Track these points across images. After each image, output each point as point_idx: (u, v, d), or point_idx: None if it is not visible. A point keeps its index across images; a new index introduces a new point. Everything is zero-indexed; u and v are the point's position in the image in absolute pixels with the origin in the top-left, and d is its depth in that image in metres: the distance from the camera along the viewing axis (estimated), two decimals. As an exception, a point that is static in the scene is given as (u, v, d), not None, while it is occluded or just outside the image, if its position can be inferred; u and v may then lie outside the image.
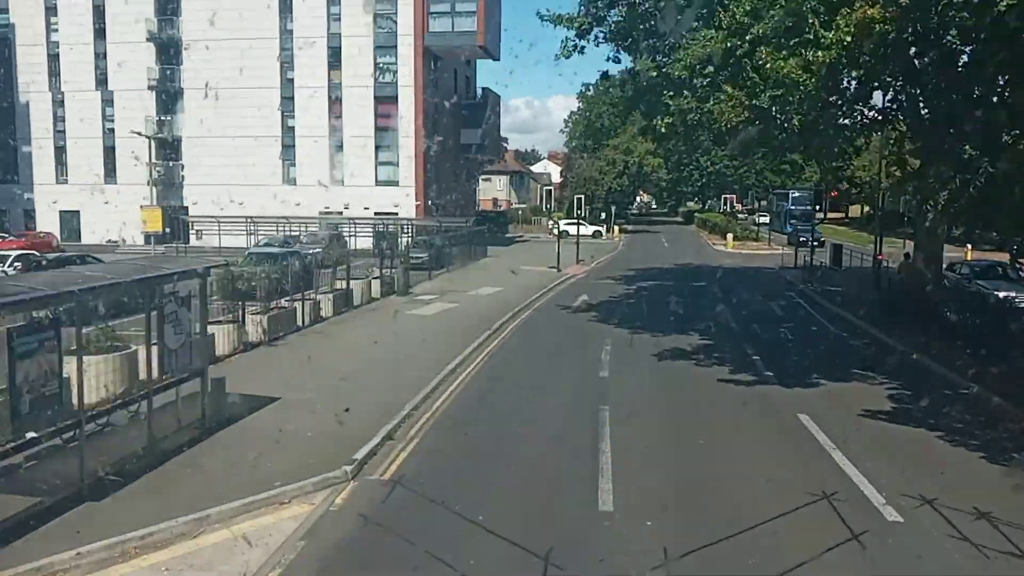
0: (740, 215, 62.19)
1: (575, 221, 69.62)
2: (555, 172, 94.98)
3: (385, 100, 45.74)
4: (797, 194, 62.37)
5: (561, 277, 33.53)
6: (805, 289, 30.19)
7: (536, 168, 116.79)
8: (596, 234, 63.67)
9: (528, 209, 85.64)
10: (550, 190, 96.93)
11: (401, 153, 45.69)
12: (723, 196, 57.62)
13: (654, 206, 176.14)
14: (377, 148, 46.16)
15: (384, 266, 26.85)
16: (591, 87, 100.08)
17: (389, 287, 26.08)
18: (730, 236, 52.20)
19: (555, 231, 68.39)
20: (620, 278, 33.55)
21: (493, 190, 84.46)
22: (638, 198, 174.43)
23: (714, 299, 27.41)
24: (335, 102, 46.20)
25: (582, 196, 41.83)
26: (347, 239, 40.16)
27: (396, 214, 45.64)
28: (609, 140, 76.03)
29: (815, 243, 38.74)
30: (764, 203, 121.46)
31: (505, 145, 78.59)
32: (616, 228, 64.81)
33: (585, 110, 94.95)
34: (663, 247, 56.77)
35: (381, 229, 44.07)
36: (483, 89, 55.25)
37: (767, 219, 68.44)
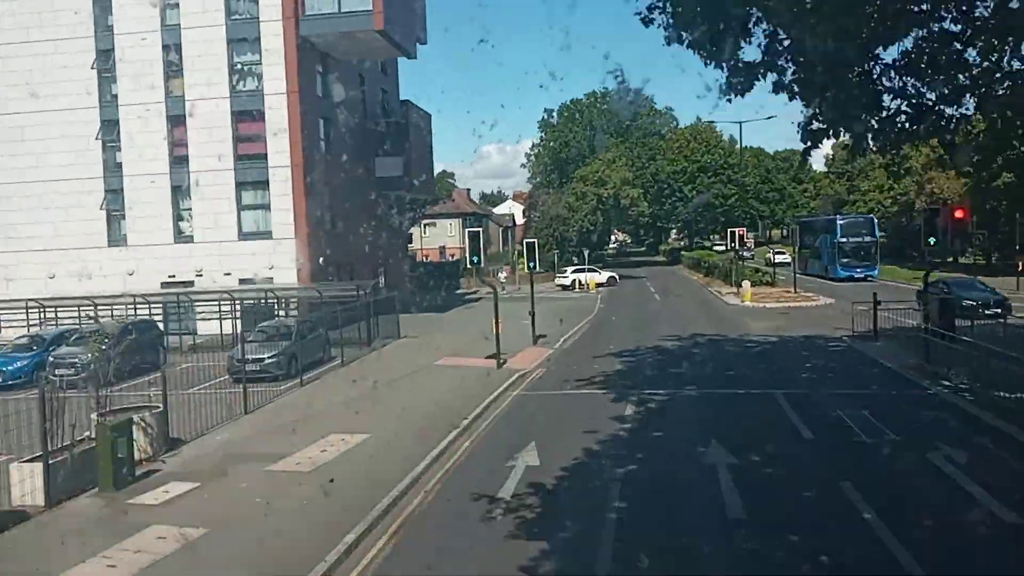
0: (745, 253, 48.34)
1: (585, 268, 56.14)
2: (520, 212, 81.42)
3: (248, 116, 31.70)
4: (849, 220, 49.02)
5: (501, 384, 19.15)
6: (949, 396, 16.06)
7: (500, 209, 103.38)
8: (611, 280, 53.41)
9: (485, 257, 71.97)
10: (509, 231, 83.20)
11: (274, 191, 31.49)
12: (730, 230, 43.44)
13: (628, 243, 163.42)
14: (239, 187, 31.95)
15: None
16: (554, 113, 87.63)
17: (80, 472, 11.54)
18: (746, 285, 38.23)
19: (564, 282, 54.64)
20: (600, 382, 19.23)
21: (443, 236, 70.50)
22: (614, 237, 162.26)
23: (821, 458, 13.08)
24: (177, 124, 32.08)
25: (534, 240, 28.01)
26: (159, 332, 25.79)
27: (271, 279, 31.25)
28: (577, 172, 62.65)
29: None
30: (779, 236, 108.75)
31: (452, 182, 64.75)
32: (593, 277, 50.80)
33: (549, 139, 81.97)
34: (655, 303, 42.78)
35: (251, 303, 29.81)
36: (403, 104, 41.42)
37: (785, 257, 54.83)
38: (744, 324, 29.75)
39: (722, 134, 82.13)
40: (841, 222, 47.98)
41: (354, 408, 16.01)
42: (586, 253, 54.40)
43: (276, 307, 30.70)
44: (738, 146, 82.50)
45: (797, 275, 41.93)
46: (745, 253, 42.79)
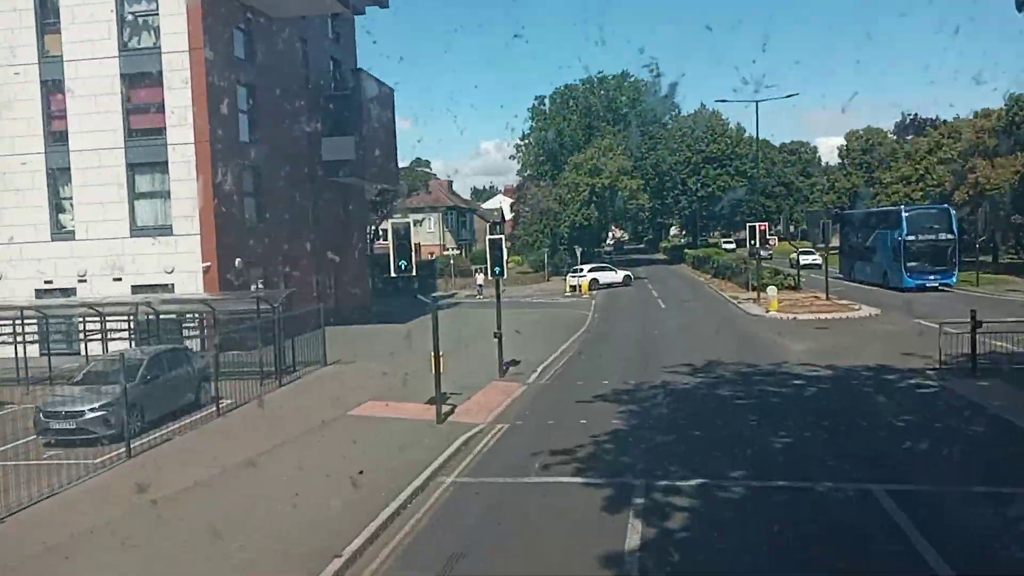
0: (764, 252, 41.26)
1: (602, 266, 49.59)
2: (509, 206, 74.60)
3: (143, 81, 24.85)
4: (918, 212, 39.00)
5: (433, 458, 12.28)
6: None
7: (491, 205, 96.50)
8: (626, 280, 48.63)
9: (466, 255, 64.90)
10: (498, 227, 76.35)
11: (174, 174, 24.63)
12: (749, 225, 36.27)
13: (626, 240, 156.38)
14: (132, 170, 25.11)
15: None
16: (546, 100, 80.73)
17: None
18: (772, 292, 31.36)
19: (573, 283, 48.27)
20: (586, 460, 12.25)
21: (421, 233, 63.60)
22: (610, 233, 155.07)
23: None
24: (54, 91, 25.24)
25: (500, 238, 21.14)
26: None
27: (170, 286, 24.42)
28: (569, 159, 55.82)
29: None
30: (800, 231, 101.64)
31: (428, 171, 57.93)
32: (584, 280, 43.99)
33: (541, 127, 75.01)
34: (658, 311, 36.03)
35: (146, 319, 23.01)
36: (355, 73, 34.47)
37: (815, 258, 47.79)
38: (778, 345, 22.97)
39: (728, 122, 75.39)
40: (908, 214, 37.47)
41: (140, 522, 9.23)
42: (579, 251, 47.53)
43: (182, 324, 24.02)
44: (747, 133, 75.88)
45: (832, 282, 34.98)
46: (763, 252, 35.89)
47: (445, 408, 15.24)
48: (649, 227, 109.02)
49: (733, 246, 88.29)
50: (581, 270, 48.27)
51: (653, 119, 77.53)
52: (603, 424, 14.14)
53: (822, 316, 29.32)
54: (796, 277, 39.44)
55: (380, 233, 60.25)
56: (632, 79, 78.17)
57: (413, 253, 16.36)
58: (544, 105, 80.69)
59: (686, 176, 73.05)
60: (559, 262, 59.91)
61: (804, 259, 49.71)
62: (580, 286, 42.38)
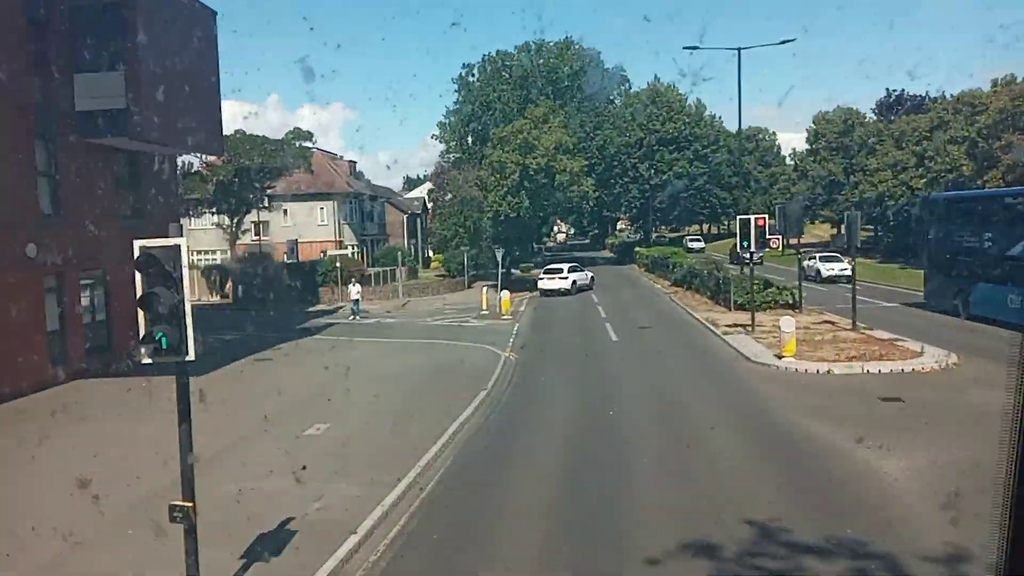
0: (754, 256, 29.35)
1: (566, 267, 38.03)
2: (427, 194, 62.13)
3: None
4: None
5: None
6: None
7: (417, 193, 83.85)
8: (576, 286, 38.98)
9: (369, 254, 52.36)
10: (418, 219, 63.83)
11: None
12: (741, 219, 24.42)
13: (570, 235, 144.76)
14: None
15: None
16: (475, 69, 68.61)
17: None
18: (788, 328, 19.48)
19: (551, 286, 36.91)
20: None
21: (309, 226, 50.82)
22: (556, 228, 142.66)
23: None
24: None
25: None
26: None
27: None
28: (495, 132, 43.79)
29: None
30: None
31: (312, 145, 45.19)
32: (504, 294, 32.10)
33: (468, 101, 62.79)
34: (609, 348, 24.45)
35: None
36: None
37: (843, 268, 35.86)
38: (851, 462, 11.40)
39: (686, 98, 64.34)
40: None
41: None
42: (499, 253, 35.60)
43: None
44: (709, 112, 65.08)
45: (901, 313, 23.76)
46: (755, 257, 24.51)
47: None
48: (595, 221, 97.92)
49: (702, 244, 77.85)
50: (562, 269, 38.74)
51: (600, 93, 66.14)
52: None
53: (870, 368, 18.03)
54: (798, 293, 28.34)
55: (253, 227, 47.44)
56: (577, 47, 66.70)
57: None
58: (472, 75, 68.62)
59: (637, 161, 61.93)
60: (487, 262, 48.15)
61: (827, 268, 38.66)
62: (502, 304, 30.53)
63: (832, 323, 25.02)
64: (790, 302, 28.38)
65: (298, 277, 41.10)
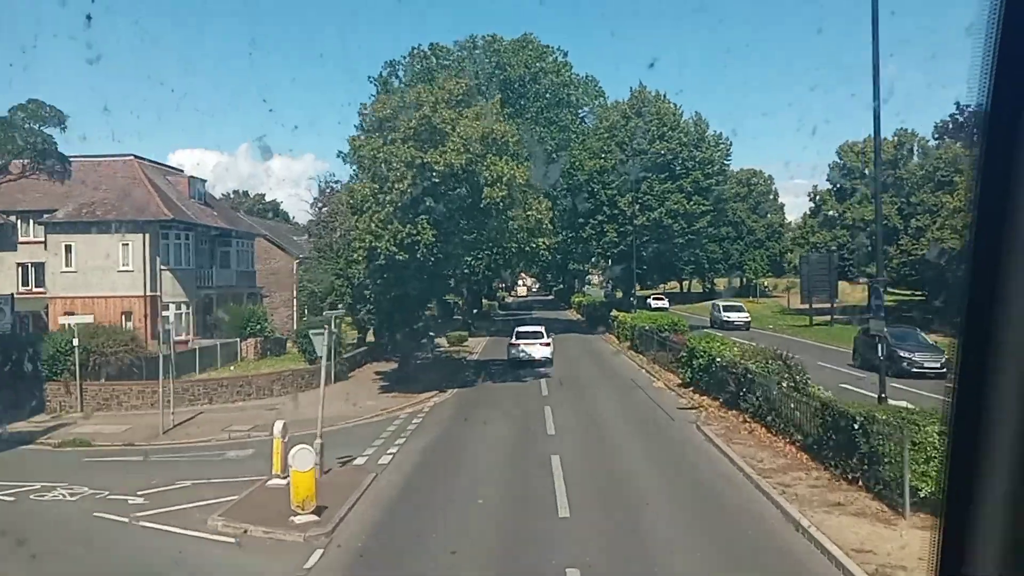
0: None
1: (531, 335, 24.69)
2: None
3: None
4: None
5: None
6: None
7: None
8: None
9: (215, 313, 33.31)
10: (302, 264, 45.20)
11: None
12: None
13: (526, 288, 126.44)
14: None
15: None
16: (399, 67, 51.52)
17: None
18: None
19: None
20: None
21: (111, 270, 31.99)
22: (520, 282, 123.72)
23: None
24: None
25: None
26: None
27: None
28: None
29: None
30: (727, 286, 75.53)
31: (56, 128, 26.84)
32: (301, 451, 13.68)
33: (386, 107, 45.08)
34: None
35: None
36: None
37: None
38: None
39: (680, 111, 47.45)
40: None
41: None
42: (333, 324, 17.52)
43: None
44: (712, 131, 48.38)
45: None
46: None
47: None
48: (560, 274, 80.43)
49: (665, 304, 60.31)
50: (539, 334, 29.41)
51: (564, 103, 49.19)
52: None
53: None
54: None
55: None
56: (534, 46, 50.04)
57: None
58: (398, 74, 51.51)
59: (615, 193, 44.62)
60: (387, 331, 30.20)
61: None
62: (291, 484, 12.01)
63: None
64: None
65: (20, 361, 22.51)
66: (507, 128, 23.67)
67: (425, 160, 20.87)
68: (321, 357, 14.59)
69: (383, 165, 21.43)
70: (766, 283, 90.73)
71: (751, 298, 79.88)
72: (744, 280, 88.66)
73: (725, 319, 42.40)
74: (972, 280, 1.90)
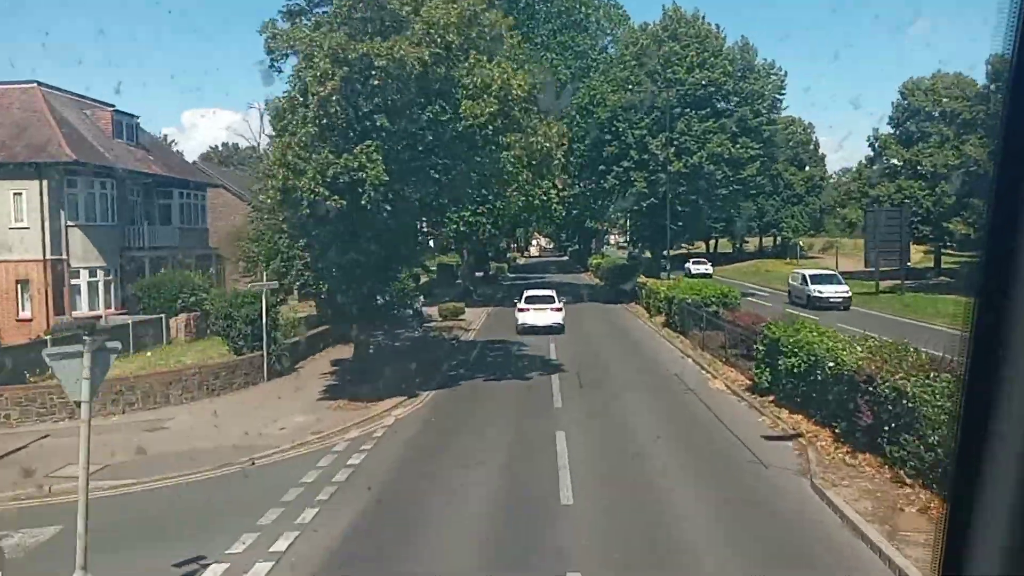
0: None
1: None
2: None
3: None
4: None
5: None
6: None
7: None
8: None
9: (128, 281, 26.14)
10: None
11: None
12: None
13: (538, 249, 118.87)
14: None
15: None
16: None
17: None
18: None
19: None
20: None
21: (2, 228, 24.82)
22: (535, 242, 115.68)
23: None
24: None
25: None
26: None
27: None
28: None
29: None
30: (787, 246, 67.11)
31: None
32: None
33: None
34: None
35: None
36: None
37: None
38: None
39: (724, 36, 39.15)
40: None
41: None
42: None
43: None
44: (761, 59, 40.33)
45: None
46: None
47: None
48: (575, 232, 72.48)
49: (709, 269, 53.20)
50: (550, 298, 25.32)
51: (580, 26, 41.03)
52: None
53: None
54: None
55: None
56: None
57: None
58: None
59: (644, 132, 36.68)
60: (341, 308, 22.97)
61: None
62: None
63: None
64: None
65: None
66: (500, 17, 15.99)
67: (364, 53, 13.31)
68: (81, 398, 7.04)
69: (302, 61, 13.92)
70: (802, 243, 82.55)
71: (789, 259, 72.09)
72: (779, 239, 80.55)
73: (816, 294, 31.98)
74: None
